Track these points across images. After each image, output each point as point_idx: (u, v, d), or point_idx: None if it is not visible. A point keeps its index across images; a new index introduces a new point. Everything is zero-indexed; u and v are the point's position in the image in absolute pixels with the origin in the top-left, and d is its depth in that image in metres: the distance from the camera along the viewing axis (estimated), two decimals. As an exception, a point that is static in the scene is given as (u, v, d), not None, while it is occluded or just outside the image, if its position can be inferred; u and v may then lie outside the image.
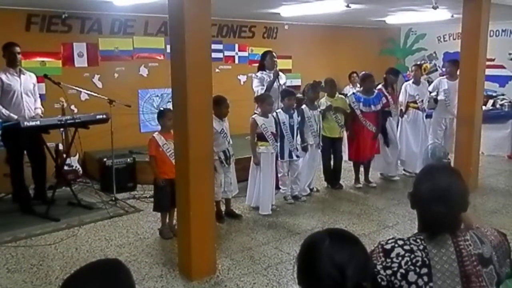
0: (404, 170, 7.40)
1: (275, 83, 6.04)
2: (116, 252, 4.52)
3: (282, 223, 5.34)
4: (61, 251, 4.55)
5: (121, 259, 4.19)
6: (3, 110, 5.37)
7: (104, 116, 5.67)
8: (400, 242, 1.70)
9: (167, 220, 4.94)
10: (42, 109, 5.79)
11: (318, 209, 5.83)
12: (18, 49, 5.50)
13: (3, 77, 5.39)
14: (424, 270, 1.63)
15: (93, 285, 1.39)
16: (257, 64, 6.55)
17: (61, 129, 5.99)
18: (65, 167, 6.25)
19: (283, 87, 6.20)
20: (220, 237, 4.77)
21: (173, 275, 4.04)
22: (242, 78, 8.95)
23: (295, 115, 5.91)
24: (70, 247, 4.63)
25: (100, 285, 1.40)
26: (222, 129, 5.19)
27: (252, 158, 5.62)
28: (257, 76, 6.17)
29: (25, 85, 5.55)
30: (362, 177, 6.82)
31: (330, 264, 1.39)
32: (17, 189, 5.72)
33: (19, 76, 5.50)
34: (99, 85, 7.36)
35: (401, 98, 7.13)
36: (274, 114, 5.80)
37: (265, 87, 5.97)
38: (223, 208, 5.45)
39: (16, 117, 5.35)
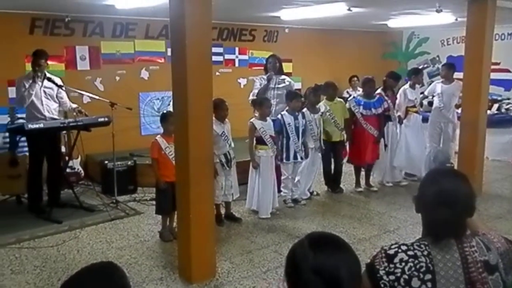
0: (405, 174, 7.38)
1: (270, 86, 6.08)
2: (117, 254, 4.54)
3: (282, 226, 5.35)
4: (63, 253, 4.58)
5: (122, 261, 4.27)
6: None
7: (106, 119, 5.70)
8: (404, 248, 1.67)
9: (168, 223, 4.96)
10: (72, 105, 5.84)
11: (318, 213, 5.84)
12: (43, 61, 5.59)
13: (28, 81, 5.49)
14: (428, 276, 1.61)
15: None
16: (257, 68, 6.60)
17: (64, 132, 6.01)
18: (67, 170, 6.28)
19: (290, 89, 6.23)
20: (220, 240, 4.77)
21: (173, 278, 4.05)
22: (242, 81, 8.97)
23: (300, 117, 5.94)
24: (72, 249, 4.66)
25: None
26: (223, 131, 5.21)
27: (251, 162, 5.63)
28: (257, 79, 6.27)
29: (46, 89, 5.62)
30: (363, 181, 6.82)
31: (320, 278, 1.35)
32: (33, 188, 5.73)
33: (42, 81, 5.57)
34: (101, 88, 7.40)
35: (400, 103, 7.07)
36: (279, 116, 5.85)
37: (257, 91, 6.03)
38: (223, 211, 5.46)
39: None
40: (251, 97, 6.10)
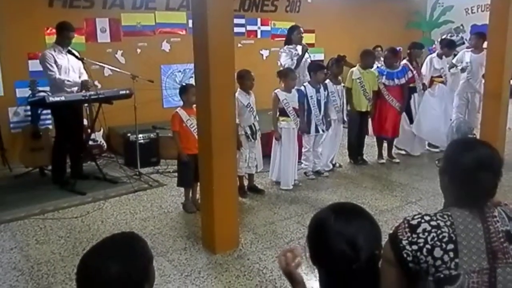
0: (428, 145, 7.31)
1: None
2: (141, 225, 4.60)
3: (304, 198, 5.36)
4: (87, 224, 4.65)
5: (146, 232, 4.33)
6: (61, 77, 5.49)
7: (128, 92, 5.69)
8: (427, 218, 1.68)
9: (191, 195, 5.00)
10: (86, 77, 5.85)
11: (340, 185, 5.82)
12: (72, 34, 5.61)
13: (54, 53, 5.49)
14: (450, 246, 1.61)
15: (111, 259, 1.44)
16: (279, 39, 6.51)
17: (86, 105, 6.05)
18: (90, 142, 6.34)
19: (308, 61, 6.19)
20: (243, 212, 4.80)
21: (196, 248, 4.10)
22: (265, 52, 8.88)
23: (321, 89, 5.88)
24: (96, 220, 4.73)
25: (118, 258, 1.44)
26: (249, 103, 5.18)
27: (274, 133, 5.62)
28: (285, 50, 6.17)
29: (72, 63, 5.65)
30: (385, 153, 6.77)
31: (341, 240, 1.45)
32: (58, 161, 5.80)
33: (66, 54, 5.60)
34: (122, 60, 7.40)
35: (425, 71, 6.98)
36: (302, 87, 5.80)
37: (294, 62, 5.95)
38: (246, 183, 5.48)
39: (80, 80, 5.60)
40: (290, 65, 5.99)
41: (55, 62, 5.47)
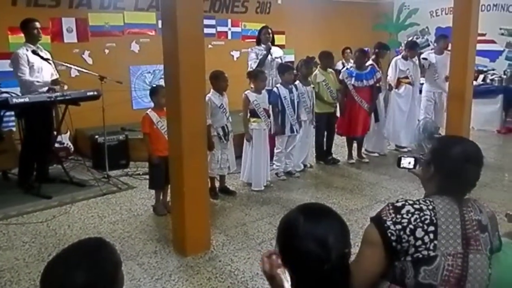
0: (396, 145, 7.45)
1: (269, 57, 6.11)
2: (110, 228, 4.51)
3: (276, 198, 5.36)
4: (53, 228, 4.52)
5: (115, 235, 4.25)
6: (30, 78, 5.31)
7: (95, 93, 5.56)
8: (410, 202, 1.81)
9: (161, 197, 4.93)
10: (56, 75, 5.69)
11: (311, 185, 5.86)
12: (38, 24, 5.41)
13: (27, 53, 5.29)
14: (431, 228, 1.74)
15: (77, 266, 1.39)
16: (250, 40, 6.55)
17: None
18: (56, 145, 6.18)
19: (281, 61, 6.26)
20: (214, 213, 4.77)
21: (167, 251, 4.04)
22: (236, 54, 8.87)
23: (294, 89, 5.92)
24: (62, 224, 4.61)
25: (84, 265, 1.39)
26: (222, 104, 5.15)
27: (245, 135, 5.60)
28: (252, 50, 6.27)
29: (44, 61, 5.45)
30: (355, 153, 6.85)
31: (311, 241, 1.44)
32: (27, 163, 5.61)
33: (37, 53, 5.41)
34: (90, 61, 7.26)
35: (391, 74, 7.12)
36: (275, 89, 5.82)
37: (258, 61, 5.99)
38: (217, 184, 5.44)
39: (50, 80, 5.44)
40: (253, 65, 6.09)
41: (28, 61, 5.29)
